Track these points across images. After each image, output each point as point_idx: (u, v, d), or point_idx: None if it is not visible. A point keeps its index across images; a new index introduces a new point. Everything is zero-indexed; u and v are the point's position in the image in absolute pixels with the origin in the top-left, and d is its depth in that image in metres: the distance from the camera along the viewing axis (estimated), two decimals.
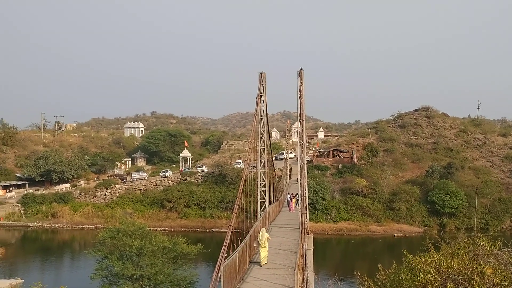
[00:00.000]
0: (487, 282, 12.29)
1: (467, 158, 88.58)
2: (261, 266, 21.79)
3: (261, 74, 34.32)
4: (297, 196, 47.38)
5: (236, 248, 19.47)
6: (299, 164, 40.18)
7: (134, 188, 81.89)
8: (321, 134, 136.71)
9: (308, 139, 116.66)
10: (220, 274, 15.57)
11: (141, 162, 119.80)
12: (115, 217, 71.04)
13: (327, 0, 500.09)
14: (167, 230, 66.57)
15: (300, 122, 38.09)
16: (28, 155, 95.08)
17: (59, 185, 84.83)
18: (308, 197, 50.48)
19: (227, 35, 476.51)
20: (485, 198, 72.85)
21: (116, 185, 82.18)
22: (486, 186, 75.62)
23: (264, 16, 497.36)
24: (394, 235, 67.61)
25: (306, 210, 34.01)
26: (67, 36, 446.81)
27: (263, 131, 36.20)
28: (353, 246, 64.72)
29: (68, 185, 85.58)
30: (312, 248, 34.37)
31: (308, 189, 43.58)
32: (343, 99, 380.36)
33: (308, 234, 31.76)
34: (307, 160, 79.00)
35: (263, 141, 36.27)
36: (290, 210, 47.04)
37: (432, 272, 13.08)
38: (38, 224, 73.23)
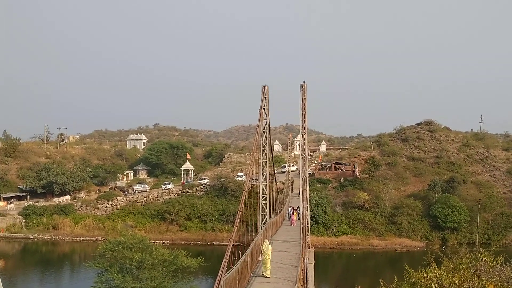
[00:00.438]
0: None
1: (470, 173, 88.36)
2: (265, 276, 21.97)
3: (264, 87, 34.54)
4: (298, 209, 47.30)
5: (237, 261, 19.41)
6: (301, 177, 40.18)
7: (136, 201, 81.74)
8: (323, 147, 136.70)
9: (310, 152, 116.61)
10: None
11: (143, 174, 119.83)
12: (116, 229, 70.71)
13: (331, 14, 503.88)
14: (167, 243, 66.25)
15: (302, 135, 38.24)
16: (31, 167, 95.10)
17: (59, 197, 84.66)
18: (310, 211, 50.36)
19: (231, 47, 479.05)
20: (487, 213, 72.46)
21: (117, 197, 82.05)
22: (489, 201, 75.23)
23: (267, 28, 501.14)
24: (396, 250, 67.23)
25: (307, 224, 33.95)
26: (75, 47, 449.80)
27: (265, 144, 36.28)
28: (354, 261, 64.29)
29: (68, 197, 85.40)
30: (313, 262, 34.23)
31: (309, 202, 43.50)
32: (345, 112, 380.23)
33: (309, 248, 31.66)
34: (309, 173, 78.92)
35: (265, 154, 36.30)
36: (291, 223, 46.93)
37: None
38: (38, 236, 72.99)
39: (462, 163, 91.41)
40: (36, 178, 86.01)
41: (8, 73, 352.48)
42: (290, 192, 73.99)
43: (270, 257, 22.56)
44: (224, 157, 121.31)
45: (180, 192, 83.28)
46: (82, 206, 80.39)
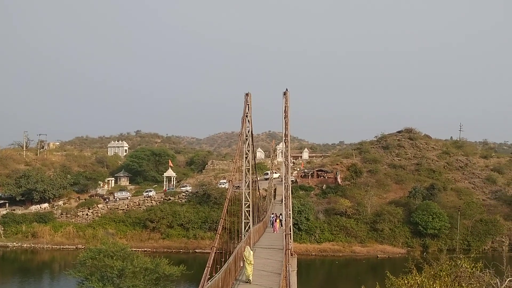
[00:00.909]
0: None
1: (449, 180, 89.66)
2: (248, 281, 22.10)
3: (246, 94, 34.52)
4: (281, 216, 47.31)
5: (220, 269, 19.35)
6: (283, 184, 40.26)
7: (117, 208, 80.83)
8: (305, 155, 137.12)
9: (293, 159, 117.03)
10: None
11: (124, 182, 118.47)
12: (97, 237, 69.84)
13: (311, 19, 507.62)
14: (149, 251, 65.71)
15: (285, 142, 38.33)
16: (9, 174, 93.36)
17: (37, 204, 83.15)
18: (292, 218, 50.46)
19: (213, 53, 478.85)
20: (467, 220, 73.49)
21: (98, 205, 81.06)
22: (468, 208, 76.40)
23: (249, 35, 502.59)
24: (378, 256, 67.71)
25: (290, 231, 33.99)
26: (52, 51, 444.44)
27: (248, 151, 36.23)
28: (337, 267, 64.55)
29: (46, 204, 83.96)
30: (296, 269, 34.21)
31: (292, 209, 43.56)
32: (327, 120, 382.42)
33: (292, 255, 31.68)
34: (292, 181, 79.09)
35: (248, 161, 36.28)
36: (274, 230, 46.90)
37: None
38: (17, 245, 71.68)
39: (442, 171, 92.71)
40: (15, 186, 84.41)
41: None
42: (272, 199, 74.01)
43: (252, 263, 22.70)
44: (207, 164, 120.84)
45: (162, 199, 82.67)
46: (62, 214, 79.21)
